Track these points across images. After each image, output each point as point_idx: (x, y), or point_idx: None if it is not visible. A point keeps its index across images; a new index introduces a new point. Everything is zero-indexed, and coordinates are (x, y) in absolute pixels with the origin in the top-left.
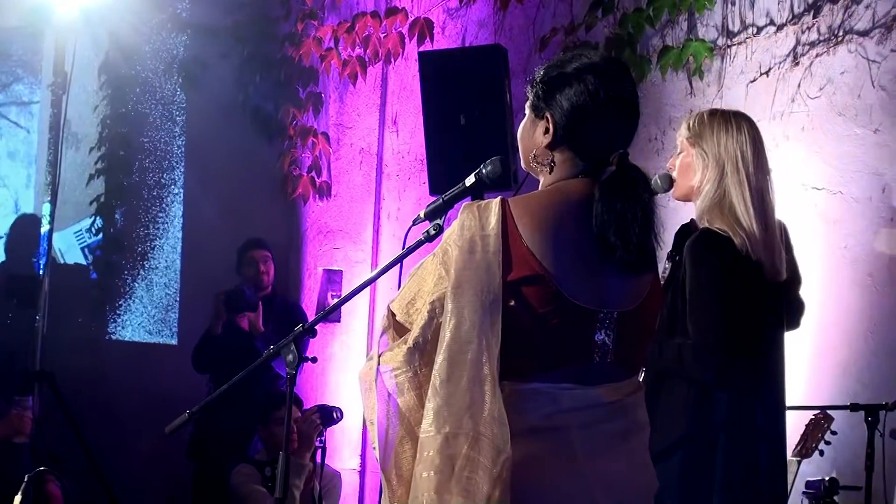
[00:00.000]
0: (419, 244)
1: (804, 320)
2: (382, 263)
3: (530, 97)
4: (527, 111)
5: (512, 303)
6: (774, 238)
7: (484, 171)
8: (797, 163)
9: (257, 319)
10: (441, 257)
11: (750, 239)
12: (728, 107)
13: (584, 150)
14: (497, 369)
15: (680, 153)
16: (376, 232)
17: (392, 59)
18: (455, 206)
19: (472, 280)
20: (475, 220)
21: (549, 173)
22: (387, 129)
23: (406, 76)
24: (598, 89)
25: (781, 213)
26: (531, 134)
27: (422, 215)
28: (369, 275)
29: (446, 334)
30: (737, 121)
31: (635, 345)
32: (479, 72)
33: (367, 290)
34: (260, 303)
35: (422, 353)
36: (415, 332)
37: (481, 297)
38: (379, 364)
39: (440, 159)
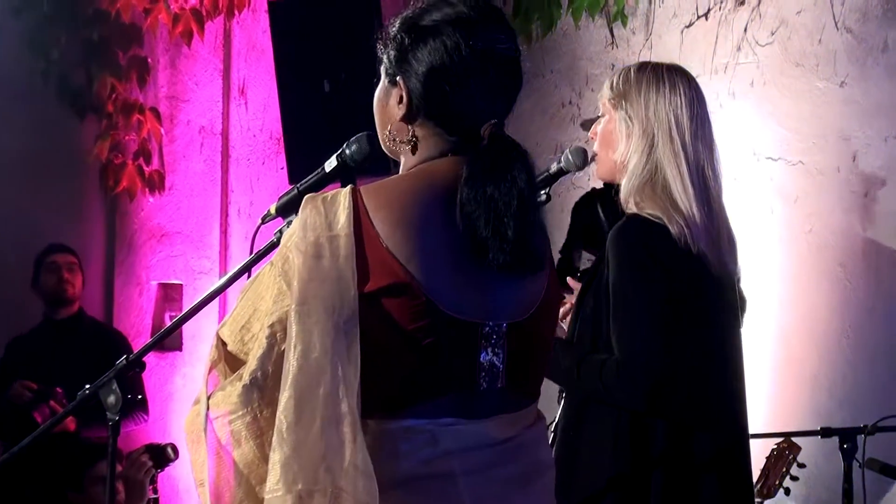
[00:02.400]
0: (271, 247)
1: (761, 324)
2: (232, 272)
3: (383, 59)
4: (381, 76)
5: (372, 320)
6: (721, 224)
7: (348, 151)
8: (746, 127)
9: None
10: (280, 267)
11: (690, 226)
12: (658, 58)
13: (449, 122)
14: (358, 405)
15: (601, 118)
16: (224, 233)
17: (236, 11)
18: None
19: (320, 294)
20: (320, 218)
21: (412, 153)
22: (233, 101)
23: (255, 32)
24: (460, 44)
25: (729, 190)
26: (385, 105)
27: (272, 211)
28: (214, 287)
29: (292, 365)
30: (670, 77)
31: (531, 364)
32: (346, 24)
33: (215, 307)
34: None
35: (262, 390)
36: (251, 364)
37: (333, 315)
38: (208, 409)
39: (301, 137)
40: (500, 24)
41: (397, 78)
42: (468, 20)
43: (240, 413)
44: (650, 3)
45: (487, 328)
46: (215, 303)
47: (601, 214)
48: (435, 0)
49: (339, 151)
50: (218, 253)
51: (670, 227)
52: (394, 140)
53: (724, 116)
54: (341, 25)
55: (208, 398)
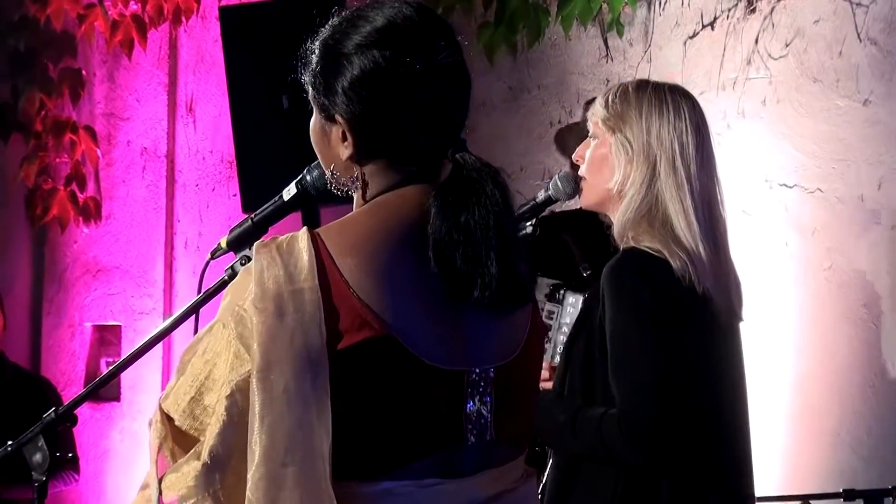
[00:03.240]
0: (221, 286)
1: (776, 372)
2: (178, 313)
3: (309, 88)
4: (313, 106)
5: (346, 380)
6: (727, 263)
7: (309, 177)
8: (758, 150)
9: None
10: (235, 328)
11: (694, 262)
12: (658, 73)
13: (402, 153)
14: (332, 474)
15: (592, 140)
16: (169, 268)
17: (183, 18)
18: (271, 229)
19: (285, 358)
20: (278, 269)
21: (363, 191)
22: (179, 120)
23: (205, 42)
24: (397, 66)
25: (738, 221)
26: (325, 143)
27: (223, 244)
28: (158, 330)
29: (259, 439)
30: (674, 98)
31: (519, 410)
32: (309, 32)
33: (159, 353)
34: None
35: (223, 470)
36: (210, 440)
37: (301, 379)
38: (160, 493)
39: (257, 160)
40: (434, 30)
41: (335, 116)
42: (399, 35)
43: (198, 498)
44: (649, 10)
45: (474, 375)
46: (159, 348)
47: (568, 243)
48: (351, 16)
49: (299, 178)
50: (162, 291)
51: (672, 262)
52: (338, 181)
53: (733, 138)
54: (303, 34)
55: (159, 481)
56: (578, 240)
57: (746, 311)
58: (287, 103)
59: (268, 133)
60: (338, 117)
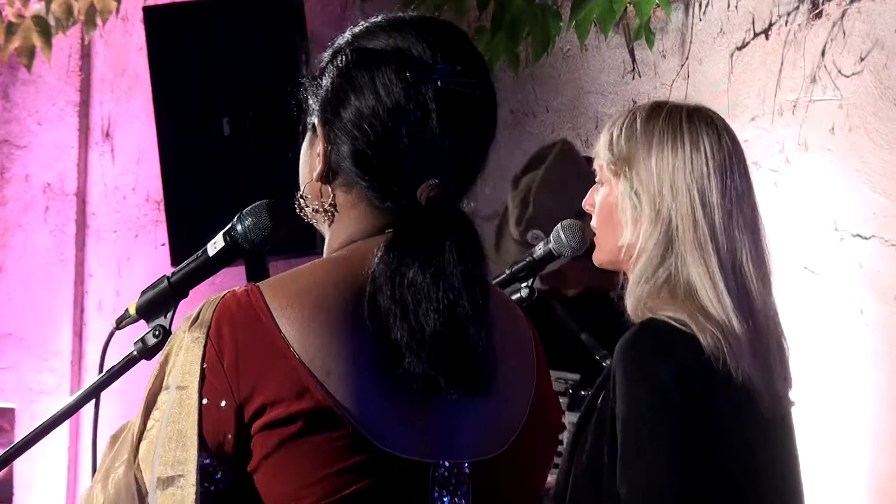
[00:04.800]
0: (130, 363)
1: (851, 472)
2: (79, 393)
3: (308, 100)
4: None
5: (277, 463)
6: (767, 335)
7: (240, 227)
8: (824, 191)
9: None
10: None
11: (728, 339)
12: (698, 93)
13: (383, 185)
14: None
15: (601, 186)
16: (79, 337)
17: (99, 21)
18: (197, 290)
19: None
20: (198, 348)
21: (328, 225)
22: (94, 149)
23: (126, 51)
24: (397, 81)
25: (798, 279)
26: (306, 160)
27: (132, 311)
28: (58, 412)
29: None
30: (693, 128)
31: None
32: (257, 39)
33: (63, 442)
34: None
35: None
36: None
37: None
38: None
39: (190, 200)
40: (456, 53)
41: (315, 123)
42: (412, 48)
43: None
44: (687, 14)
45: (443, 470)
46: (64, 438)
47: (559, 311)
48: (381, 21)
49: (227, 227)
50: (68, 364)
51: (701, 338)
52: (301, 206)
53: (793, 176)
54: (249, 42)
55: None
56: (590, 320)
57: (811, 396)
58: (228, 129)
59: (205, 166)
60: (318, 126)
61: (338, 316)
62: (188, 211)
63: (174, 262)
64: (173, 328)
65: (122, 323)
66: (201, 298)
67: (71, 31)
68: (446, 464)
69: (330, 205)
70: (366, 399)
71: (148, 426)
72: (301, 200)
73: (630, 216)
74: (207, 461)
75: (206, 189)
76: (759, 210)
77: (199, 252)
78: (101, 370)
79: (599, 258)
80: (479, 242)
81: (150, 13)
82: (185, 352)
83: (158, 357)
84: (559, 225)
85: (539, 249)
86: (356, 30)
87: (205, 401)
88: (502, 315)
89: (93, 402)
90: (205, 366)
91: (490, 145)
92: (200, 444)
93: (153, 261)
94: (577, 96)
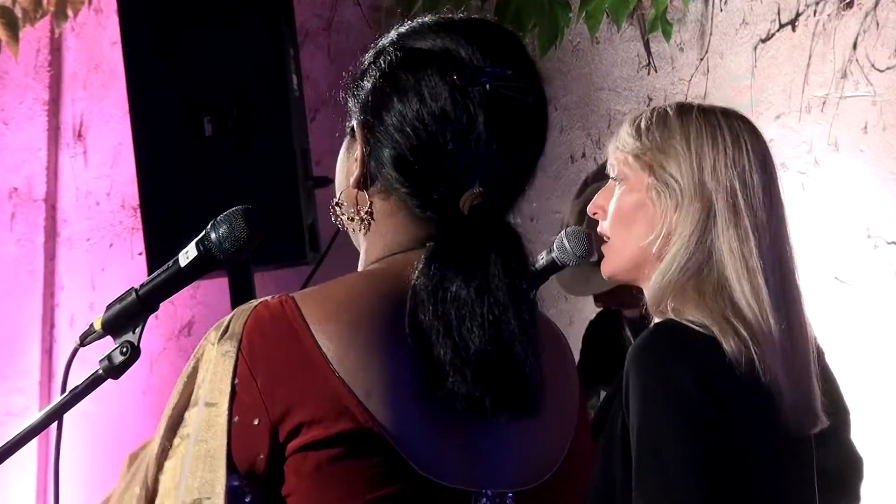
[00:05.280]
0: (95, 382)
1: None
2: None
3: (348, 103)
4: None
5: (309, 488)
6: (805, 347)
7: (214, 235)
8: (856, 194)
9: None
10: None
11: (760, 342)
12: (719, 88)
13: (424, 194)
14: None
15: (618, 184)
16: (48, 354)
17: (70, 12)
18: (169, 304)
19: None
20: (229, 363)
21: (364, 235)
22: (65, 150)
23: (100, 45)
24: (444, 83)
25: (828, 290)
26: (343, 166)
27: (98, 327)
28: (17, 435)
29: None
30: (730, 124)
31: None
32: (241, 30)
33: (32, 468)
34: None
35: None
36: None
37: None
38: None
39: (168, 206)
40: (507, 56)
41: (353, 125)
42: (461, 49)
43: None
44: (707, 4)
45: (485, 499)
46: (31, 462)
47: (627, 334)
48: (428, 21)
49: (200, 235)
50: (37, 384)
51: (723, 342)
52: (337, 214)
53: (823, 178)
54: (233, 34)
55: None
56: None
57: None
58: (210, 128)
59: (185, 169)
60: (357, 128)
61: (378, 332)
62: (167, 218)
63: (151, 273)
64: (141, 344)
65: (86, 339)
66: (185, 309)
67: (39, 23)
68: (489, 493)
69: (366, 212)
70: (407, 421)
71: (174, 444)
72: (336, 208)
73: (667, 205)
74: (236, 483)
75: (186, 194)
76: (786, 211)
77: (170, 262)
78: (63, 390)
79: (613, 267)
80: (525, 255)
81: (124, 3)
82: (215, 366)
83: (185, 369)
84: (563, 232)
85: (542, 259)
86: (402, 29)
87: (235, 419)
88: (545, 333)
89: (56, 425)
90: (236, 381)
91: (540, 155)
92: (229, 465)
93: (129, 271)
94: (587, 93)
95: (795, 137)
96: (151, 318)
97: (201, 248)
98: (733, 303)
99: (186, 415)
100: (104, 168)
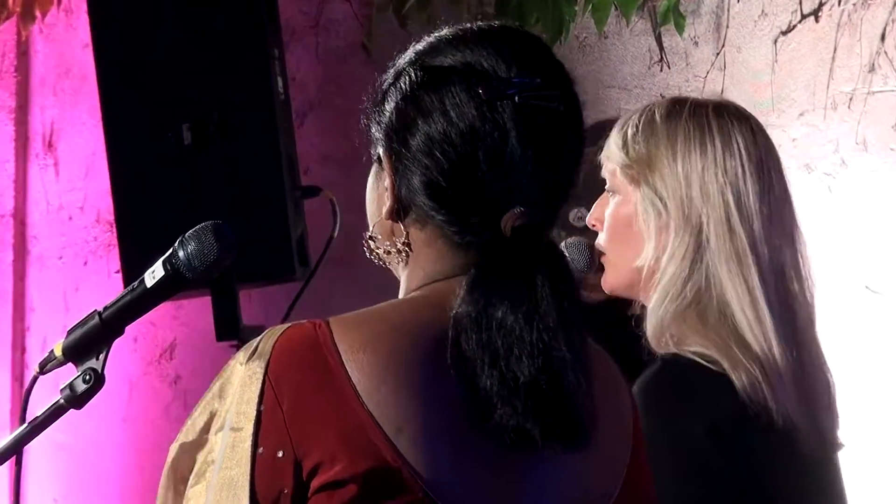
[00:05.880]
0: (57, 413)
1: None
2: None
3: (371, 127)
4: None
5: None
6: (813, 367)
7: (182, 253)
8: (887, 197)
9: None
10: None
11: (768, 374)
12: (737, 85)
13: (462, 216)
14: None
15: (609, 197)
16: (19, 381)
17: (38, 13)
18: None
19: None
20: (256, 386)
21: (405, 266)
22: (34, 161)
23: (70, 47)
24: (471, 100)
25: (858, 300)
26: (374, 196)
27: (58, 353)
28: None
29: None
30: (722, 124)
31: None
32: (221, 30)
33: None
34: None
35: None
36: None
37: None
38: None
39: (145, 220)
40: (533, 63)
41: (380, 153)
42: (484, 61)
43: None
44: None
45: None
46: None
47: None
48: (446, 34)
49: (167, 254)
50: (8, 414)
51: (734, 377)
52: (372, 248)
53: (850, 179)
54: (212, 34)
55: None
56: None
57: (873, 427)
58: (189, 136)
59: (163, 180)
60: (384, 157)
61: (415, 365)
62: (144, 233)
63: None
64: (120, 369)
65: (46, 367)
66: (166, 331)
67: (5, 25)
68: None
69: (403, 244)
70: (442, 460)
71: (199, 468)
72: (371, 242)
73: (653, 226)
74: None
75: (165, 207)
76: (798, 218)
77: (136, 283)
78: (22, 421)
79: (611, 283)
80: (572, 277)
81: (94, 2)
82: (241, 387)
83: (210, 388)
84: (563, 243)
85: None
86: (419, 46)
87: (260, 449)
88: (595, 359)
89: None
90: (262, 408)
91: (579, 164)
92: (252, 497)
93: (105, 291)
94: (595, 92)
95: (821, 137)
96: (130, 341)
97: (169, 267)
98: (738, 332)
99: (211, 437)
100: (77, 180)
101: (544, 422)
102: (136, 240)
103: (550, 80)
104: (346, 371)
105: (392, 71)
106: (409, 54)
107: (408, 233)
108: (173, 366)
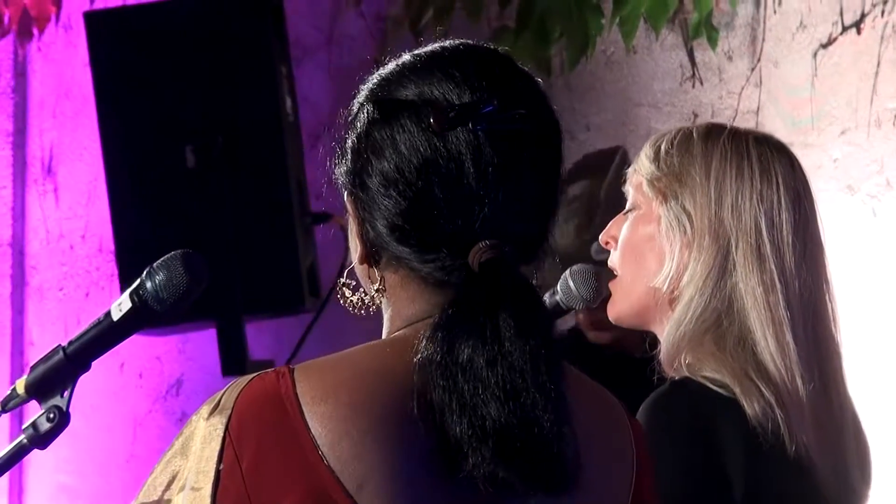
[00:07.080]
0: (20, 453)
1: None
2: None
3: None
4: None
5: None
6: (843, 411)
7: (149, 284)
8: None
9: None
10: None
11: (784, 402)
12: (774, 102)
13: (429, 254)
14: None
15: (629, 213)
16: (18, 417)
17: (36, 29)
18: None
19: None
20: (216, 443)
21: (387, 310)
22: (32, 187)
23: (71, 67)
24: (428, 132)
25: None
26: (353, 244)
27: (20, 390)
28: None
29: None
30: (762, 153)
31: None
32: (223, 50)
33: None
34: None
35: None
36: None
37: None
38: None
39: (147, 248)
40: (492, 83)
41: (345, 198)
42: (434, 89)
43: None
44: (758, 7)
45: None
46: None
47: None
48: (401, 62)
49: (134, 285)
50: (7, 433)
51: (746, 403)
52: (346, 297)
53: (894, 204)
54: (217, 52)
55: None
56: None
57: None
58: (193, 159)
59: (166, 206)
60: (348, 202)
61: (381, 414)
62: (146, 262)
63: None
64: (125, 406)
65: (8, 404)
66: (172, 366)
67: (1, 43)
68: None
69: (378, 289)
70: None
71: None
72: (344, 290)
73: (677, 244)
74: None
75: (168, 234)
76: (826, 257)
77: (102, 315)
78: None
79: (619, 309)
80: (543, 312)
81: (92, 19)
82: (202, 444)
83: (173, 443)
84: (568, 271)
85: (545, 301)
86: (374, 79)
87: None
88: (582, 393)
89: None
90: (220, 466)
91: (555, 184)
92: None
93: None
94: (624, 110)
95: (864, 156)
96: (135, 377)
97: (136, 299)
98: (757, 359)
99: (175, 499)
100: (78, 207)
101: (520, 467)
102: (138, 269)
103: (512, 99)
104: (307, 425)
105: (352, 106)
106: (368, 86)
107: (382, 277)
108: (180, 403)
